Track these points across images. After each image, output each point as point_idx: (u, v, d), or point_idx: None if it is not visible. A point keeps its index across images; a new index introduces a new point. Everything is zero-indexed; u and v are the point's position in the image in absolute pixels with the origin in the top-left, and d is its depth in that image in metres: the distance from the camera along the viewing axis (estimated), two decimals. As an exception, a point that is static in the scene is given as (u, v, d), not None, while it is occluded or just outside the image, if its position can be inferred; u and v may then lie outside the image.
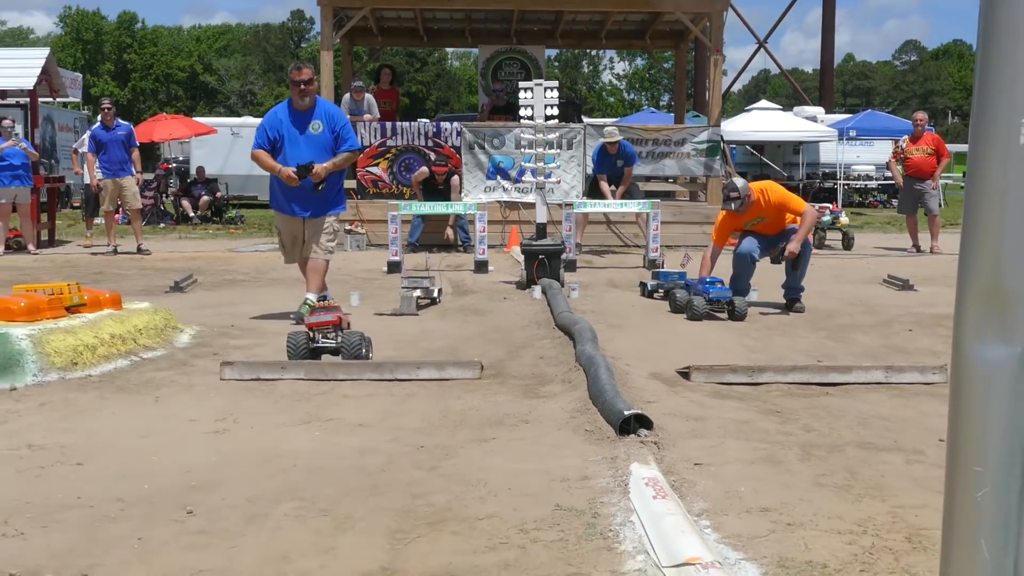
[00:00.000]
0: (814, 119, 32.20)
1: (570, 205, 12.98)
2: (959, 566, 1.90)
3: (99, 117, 15.86)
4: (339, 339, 6.90)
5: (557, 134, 11.72)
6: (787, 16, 54.37)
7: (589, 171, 14.84)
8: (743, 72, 51.55)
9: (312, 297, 8.78)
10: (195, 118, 30.89)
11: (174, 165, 25.00)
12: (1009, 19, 1.63)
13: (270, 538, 3.86)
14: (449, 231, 14.65)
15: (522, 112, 11.25)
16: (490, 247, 14.29)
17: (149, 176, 21.22)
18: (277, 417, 5.76)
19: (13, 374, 6.25)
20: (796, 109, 34.46)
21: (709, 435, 5.23)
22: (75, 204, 20.97)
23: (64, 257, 14.57)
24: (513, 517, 4.05)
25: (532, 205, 14.82)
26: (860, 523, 3.97)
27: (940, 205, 15.99)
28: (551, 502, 4.22)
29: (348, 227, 14.79)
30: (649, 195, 14.79)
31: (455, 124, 15.09)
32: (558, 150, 14.26)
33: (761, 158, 31.26)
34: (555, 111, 11.25)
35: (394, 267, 12.34)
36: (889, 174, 31.53)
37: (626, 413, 5.10)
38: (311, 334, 6.93)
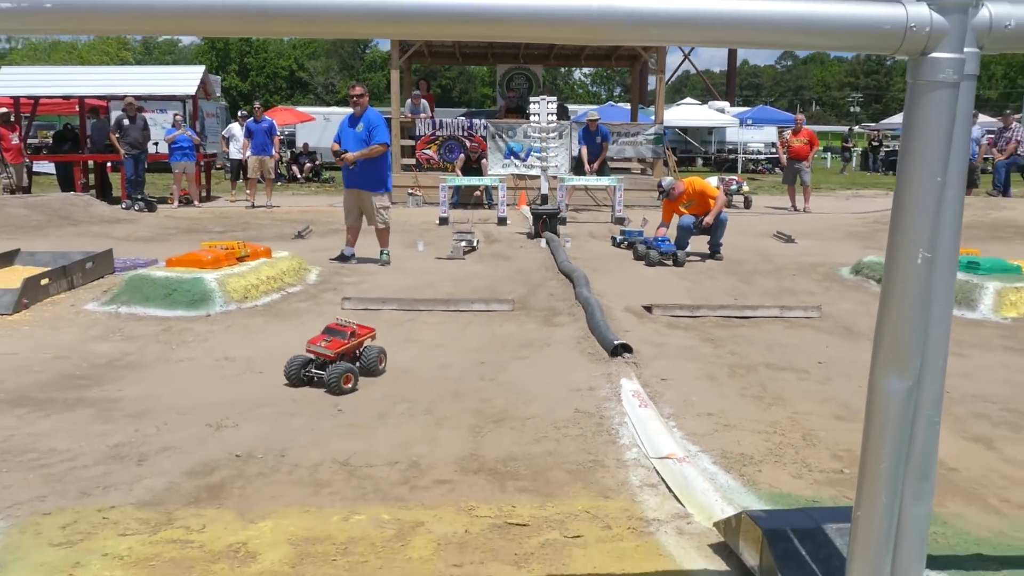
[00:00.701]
0: (722, 111, 31.83)
1: (562, 180, 12.93)
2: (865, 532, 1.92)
3: (246, 112, 15.89)
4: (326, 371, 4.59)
5: (556, 132, 11.69)
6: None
7: (574, 154, 14.78)
8: (673, 74, 50.60)
9: (386, 252, 8.94)
10: (297, 107, 30.39)
11: (285, 141, 24.94)
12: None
13: (394, 430, 4.00)
14: (478, 192, 14.64)
15: (532, 118, 11.26)
16: (507, 205, 14.39)
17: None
18: (383, 338, 5.75)
19: (207, 305, 6.38)
20: (709, 103, 33.95)
21: (668, 357, 5.29)
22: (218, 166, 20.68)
23: (220, 210, 14.56)
24: (549, 417, 4.19)
25: (536, 177, 14.90)
26: (771, 425, 4.10)
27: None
28: (572, 406, 4.34)
29: (410, 191, 14.83)
30: (615, 171, 14.80)
31: (482, 120, 15.07)
32: (557, 142, 14.36)
33: (686, 138, 30.96)
34: (554, 117, 11.26)
35: (443, 221, 12.37)
36: (774, 151, 31.50)
37: (615, 342, 5.27)
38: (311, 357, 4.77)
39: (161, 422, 4.01)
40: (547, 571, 2.51)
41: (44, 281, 6.83)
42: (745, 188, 16.00)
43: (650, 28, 1.72)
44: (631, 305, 6.87)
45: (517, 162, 14.94)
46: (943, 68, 1.69)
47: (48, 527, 2.85)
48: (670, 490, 3.27)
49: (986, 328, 6.31)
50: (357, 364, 4.80)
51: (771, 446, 3.82)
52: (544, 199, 11.31)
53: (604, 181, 13.04)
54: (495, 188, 13.38)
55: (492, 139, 14.78)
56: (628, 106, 24.76)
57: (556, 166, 14.84)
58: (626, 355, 5.19)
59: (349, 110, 13.82)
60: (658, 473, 3.45)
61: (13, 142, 14.09)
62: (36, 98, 15.47)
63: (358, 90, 9.11)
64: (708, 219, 9.37)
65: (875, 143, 30.95)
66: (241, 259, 7.21)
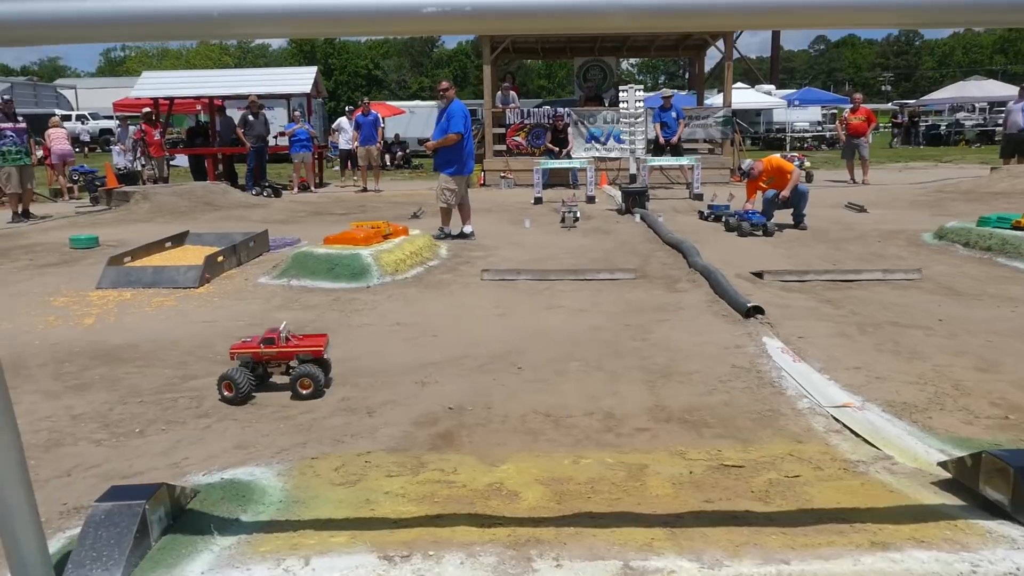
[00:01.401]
0: (769, 93, 30.99)
1: (644, 161, 12.75)
2: None
3: (352, 107, 16.03)
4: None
5: (642, 117, 11.52)
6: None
7: (651, 136, 14.56)
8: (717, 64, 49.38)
9: (444, 228, 8.83)
10: (388, 102, 30.49)
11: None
12: None
13: (577, 385, 4.01)
14: (569, 175, 14.54)
15: (621, 105, 11.12)
16: (576, 188, 14.28)
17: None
18: (528, 304, 5.81)
19: (366, 278, 6.48)
20: (757, 87, 33.07)
21: (796, 318, 5.18)
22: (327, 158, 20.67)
23: (335, 195, 14.77)
24: (711, 372, 4.14)
25: (616, 159, 14.77)
26: (919, 377, 3.97)
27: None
28: (727, 362, 4.29)
29: (502, 174, 14.81)
30: (687, 151, 14.54)
31: (566, 109, 14.91)
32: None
33: (736, 120, 30.22)
34: (641, 104, 11.10)
35: (538, 200, 12.35)
36: (820, 129, 30.58)
37: (748, 305, 5.21)
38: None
39: (372, 380, 4.10)
40: (792, 506, 2.50)
41: (220, 258, 7.02)
42: (807, 164, 15.60)
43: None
44: (740, 272, 6.75)
45: (598, 146, 14.80)
46: None
47: (322, 469, 2.93)
48: (856, 435, 3.22)
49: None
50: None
51: (928, 396, 3.73)
52: (633, 179, 11.20)
53: (684, 161, 12.82)
54: (582, 170, 13.30)
55: (574, 125, 14.64)
56: (678, 92, 24.30)
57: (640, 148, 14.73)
58: (759, 316, 5.12)
59: (431, 103, 13.67)
60: (837, 420, 3.39)
61: (155, 138, 14.45)
62: (172, 99, 15.85)
63: (444, 84, 9.13)
64: (784, 192, 9.19)
65: (915, 119, 29.78)
66: (386, 237, 7.30)
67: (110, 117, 29.98)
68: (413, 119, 26.16)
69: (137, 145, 15.30)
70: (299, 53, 61.33)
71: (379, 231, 7.20)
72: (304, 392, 3.81)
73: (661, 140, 13.48)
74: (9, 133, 10.17)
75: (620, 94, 11.06)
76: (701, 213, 10.25)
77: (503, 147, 15.07)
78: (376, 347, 4.78)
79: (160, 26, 1.61)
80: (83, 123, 32.14)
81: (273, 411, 3.69)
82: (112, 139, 23.45)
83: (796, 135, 29.09)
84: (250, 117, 14.28)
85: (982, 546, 2.20)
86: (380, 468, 2.95)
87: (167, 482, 2.44)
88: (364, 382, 4.06)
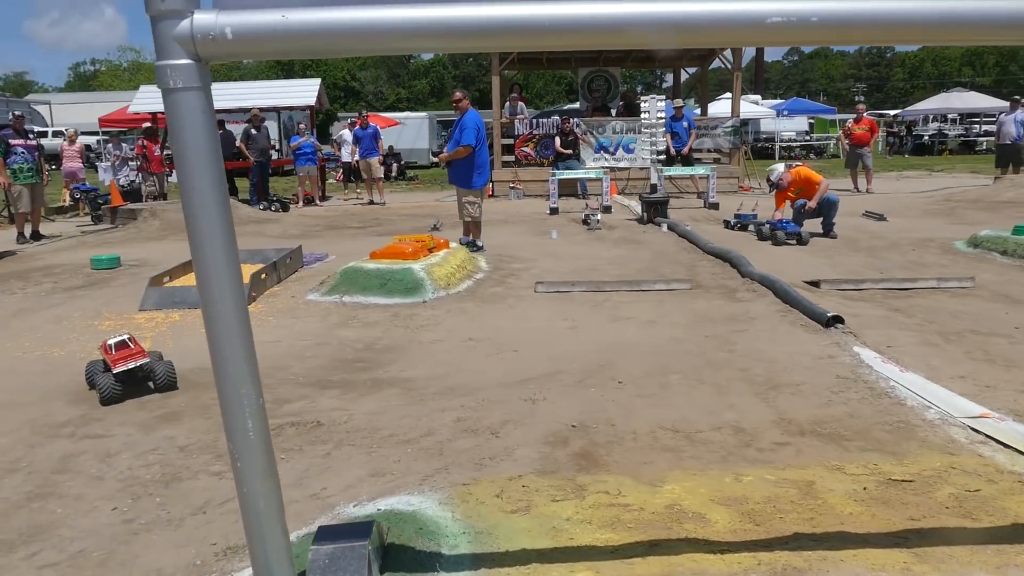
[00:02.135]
0: (756, 103, 31.28)
1: (660, 171, 12.75)
2: None
3: (354, 119, 15.91)
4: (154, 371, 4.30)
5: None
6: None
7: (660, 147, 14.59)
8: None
9: (464, 240, 8.62)
10: (379, 114, 30.28)
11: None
12: None
13: (687, 399, 3.93)
14: (577, 185, 14.49)
15: (643, 115, 11.13)
16: (594, 194, 14.25)
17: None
18: (594, 317, 5.71)
19: (420, 293, 6.37)
20: (743, 96, 33.23)
21: (875, 327, 5.15)
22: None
23: (342, 208, 14.59)
24: (817, 383, 4.07)
25: (625, 169, 14.80)
26: None
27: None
28: (829, 373, 4.23)
29: (511, 185, 14.76)
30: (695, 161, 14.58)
31: (575, 119, 14.91)
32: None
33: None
34: (663, 114, 11.12)
35: (553, 211, 12.31)
36: (808, 138, 30.92)
37: (828, 314, 5.17)
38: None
39: (476, 399, 3.99)
40: (1003, 521, 2.45)
41: (263, 276, 6.86)
42: (813, 173, 15.71)
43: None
44: (794, 281, 6.69)
45: (607, 156, 14.80)
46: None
47: (483, 496, 2.82)
48: (1005, 446, 3.18)
49: None
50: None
51: (1051, 404, 3.71)
52: (653, 188, 11.18)
53: (700, 170, 12.86)
54: (593, 180, 13.33)
55: (584, 135, 14.63)
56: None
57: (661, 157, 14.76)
58: (838, 326, 5.09)
59: (421, 115, 13.49)
60: (976, 431, 3.35)
61: (156, 153, 14.19)
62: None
63: (457, 95, 8.95)
64: (811, 203, 9.27)
65: (911, 129, 30.12)
66: (431, 250, 7.19)
67: (91, 133, 29.46)
68: (404, 131, 26.04)
69: (127, 162, 15.04)
70: (276, 65, 60.81)
71: (424, 244, 7.09)
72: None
73: (672, 150, 13.50)
74: (20, 150, 9.90)
75: (641, 104, 11.06)
76: (727, 222, 10.25)
77: (512, 158, 15.02)
78: (460, 364, 4.67)
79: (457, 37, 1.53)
80: (60, 139, 31.48)
81: (389, 434, 3.57)
82: (92, 155, 23.03)
83: (784, 144, 29.38)
84: (253, 131, 14.09)
85: None
86: (541, 493, 2.85)
87: (374, 519, 2.32)
88: (470, 401, 3.95)
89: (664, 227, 9.99)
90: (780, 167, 16.23)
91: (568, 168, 14.01)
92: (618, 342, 5.03)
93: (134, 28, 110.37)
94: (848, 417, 3.62)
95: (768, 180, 9.68)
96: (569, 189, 14.44)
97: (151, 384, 4.33)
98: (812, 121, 32.22)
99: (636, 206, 12.84)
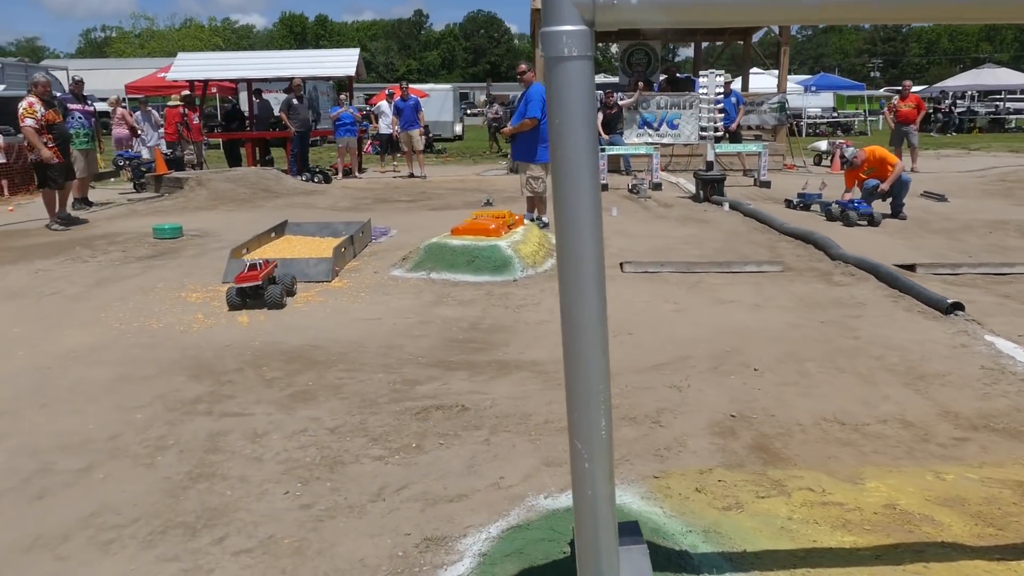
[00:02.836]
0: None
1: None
2: None
3: (391, 91, 15.65)
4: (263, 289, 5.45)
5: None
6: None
7: (703, 123, 14.33)
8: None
9: (531, 216, 8.40)
10: (414, 85, 29.81)
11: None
12: None
13: (834, 388, 3.76)
14: (620, 161, 14.25)
15: (701, 90, 10.89)
16: (637, 171, 14.02)
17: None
18: (696, 299, 5.55)
19: (509, 271, 6.23)
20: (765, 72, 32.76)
21: (993, 314, 4.98)
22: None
23: (385, 182, 14.39)
24: (963, 373, 3.93)
25: (669, 145, 14.57)
26: None
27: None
28: (971, 363, 4.07)
29: (553, 160, 14.54)
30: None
31: (619, 93, 14.63)
32: (688, 112, 13.95)
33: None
34: (722, 90, 10.90)
35: (603, 187, 12.07)
36: (835, 115, 30.45)
37: (948, 301, 5.03)
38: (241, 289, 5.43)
39: (618, 385, 3.86)
40: None
41: (343, 250, 6.73)
42: (853, 149, 15.43)
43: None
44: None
45: (651, 131, 14.57)
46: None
47: (684, 491, 2.72)
48: None
49: None
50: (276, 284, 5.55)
51: None
52: (710, 166, 10.97)
53: (752, 147, 12.63)
54: (636, 156, 13.13)
55: (628, 111, 14.38)
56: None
57: (689, 134, 14.52)
58: (958, 313, 4.95)
59: (446, 86, 13.16)
60: None
61: (195, 121, 13.99)
62: (207, 81, 15.34)
63: (522, 67, 8.77)
64: (884, 186, 9.04)
65: (954, 106, 29.36)
66: (510, 227, 7.04)
67: (106, 99, 29.17)
68: (428, 103, 25.68)
69: (159, 129, 14.82)
70: (289, 35, 60.32)
71: (505, 221, 6.94)
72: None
73: (720, 127, 13.23)
74: (78, 115, 9.71)
75: (700, 79, 10.81)
76: (789, 202, 10.05)
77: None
78: (581, 347, 4.54)
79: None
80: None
81: (543, 420, 3.46)
82: (110, 122, 22.76)
83: (811, 121, 29.00)
84: (294, 100, 13.86)
85: None
86: (741, 488, 2.74)
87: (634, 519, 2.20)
88: (611, 387, 3.81)
89: (726, 206, 9.80)
90: (823, 144, 16.00)
91: (612, 144, 13.77)
92: (733, 326, 4.90)
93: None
94: (1015, 411, 3.50)
95: (842, 158, 9.44)
96: (612, 165, 14.21)
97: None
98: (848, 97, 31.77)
99: (685, 183, 12.66)
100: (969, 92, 30.08)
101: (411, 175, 14.66)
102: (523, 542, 2.37)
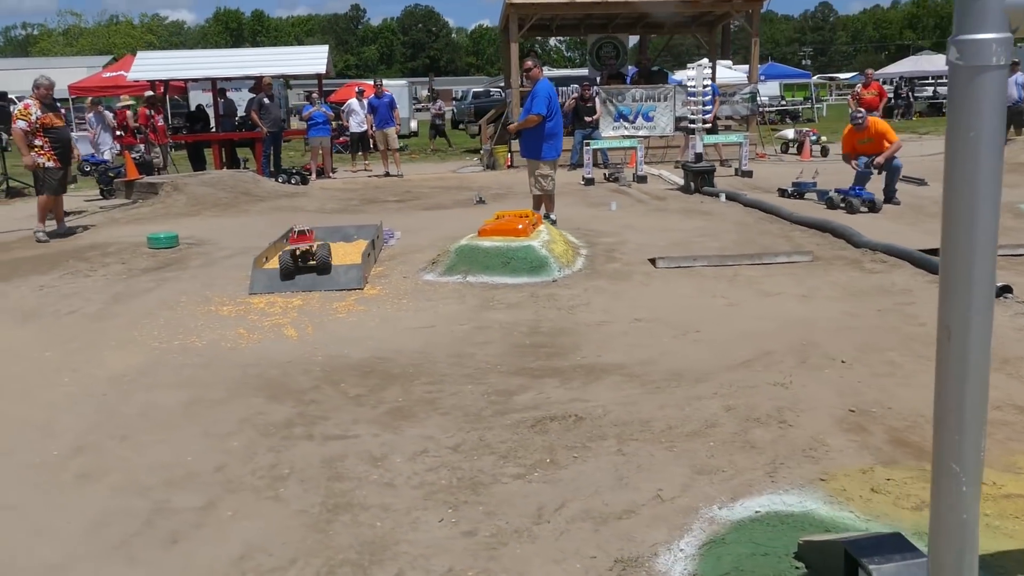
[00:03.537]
0: (729, 68, 31.35)
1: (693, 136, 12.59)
2: None
3: (362, 89, 15.27)
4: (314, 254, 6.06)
5: (709, 95, 11.36)
6: None
7: (678, 114, 14.47)
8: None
9: (549, 215, 8.22)
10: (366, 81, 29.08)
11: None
12: None
13: (930, 376, 3.87)
14: (598, 155, 14.22)
15: (688, 82, 10.95)
16: (616, 164, 14.04)
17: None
18: (742, 292, 5.53)
19: (546, 271, 6.11)
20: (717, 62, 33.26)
21: None
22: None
23: (362, 181, 14.06)
24: None
25: (644, 138, 14.62)
26: None
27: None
28: None
29: (531, 154, 14.44)
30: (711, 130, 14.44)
31: (595, 87, 14.62)
32: (663, 104, 14.04)
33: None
34: (707, 82, 10.98)
35: (589, 181, 12.09)
36: (783, 103, 31.10)
37: (999, 284, 5.12)
38: (295, 251, 6.08)
39: (720, 384, 3.82)
40: None
41: (367, 255, 6.52)
42: (823, 139, 15.80)
43: None
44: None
45: (626, 124, 14.61)
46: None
47: (859, 491, 2.68)
48: None
49: None
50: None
51: None
52: (699, 157, 11.04)
53: (734, 138, 12.78)
54: (612, 150, 13.17)
55: (603, 104, 14.39)
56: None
57: (665, 126, 14.61)
58: (1007, 295, 5.06)
59: (400, 82, 12.91)
60: None
61: (160, 123, 13.41)
62: (167, 81, 14.71)
63: (527, 64, 8.68)
64: (880, 160, 9.18)
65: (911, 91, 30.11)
66: (534, 226, 6.92)
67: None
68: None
69: (114, 132, 14.19)
70: (225, 31, 58.57)
71: (530, 220, 6.82)
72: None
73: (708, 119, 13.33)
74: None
75: (688, 73, 10.86)
76: (783, 191, 10.17)
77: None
78: (656, 347, 4.48)
79: None
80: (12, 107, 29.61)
81: (666, 426, 3.38)
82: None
83: (760, 109, 29.51)
84: (265, 100, 13.41)
85: None
86: (911, 485, 2.72)
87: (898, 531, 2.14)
88: (715, 387, 3.77)
89: (723, 197, 9.87)
90: (790, 133, 16.28)
91: (589, 137, 13.76)
92: (794, 319, 4.91)
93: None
94: (1109, 394, 3.57)
95: (852, 119, 9.53)
96: (595, 159, 14.20)
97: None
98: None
99: (669, 175, 12.73)
100: (904, 78, 31.10)
101: (387, 174, 14.38)
102: (733, 559, 2.29)
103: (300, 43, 74.64)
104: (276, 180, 12.90)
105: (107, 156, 13.26)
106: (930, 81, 31.13)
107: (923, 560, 1.84)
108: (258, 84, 14.23)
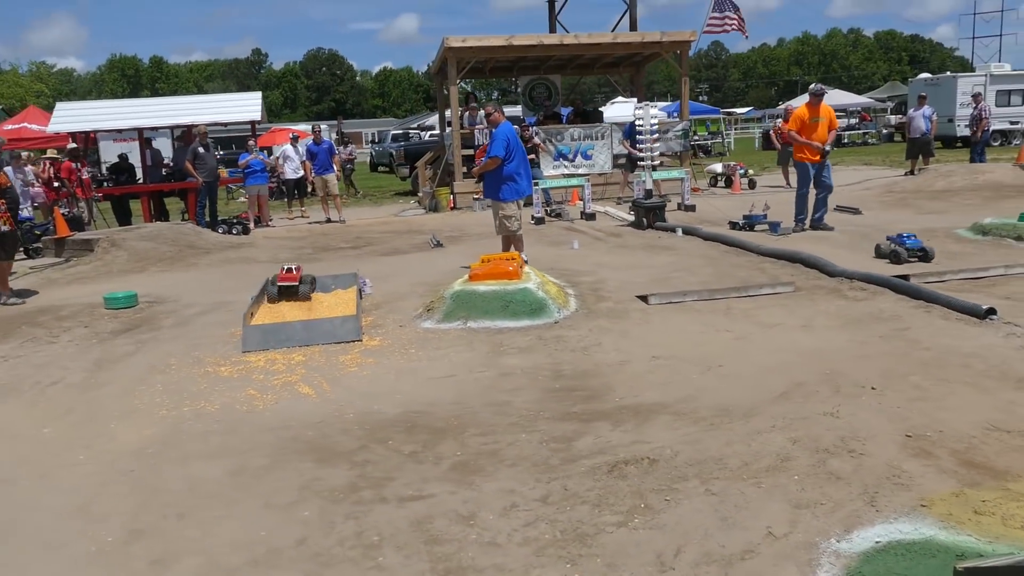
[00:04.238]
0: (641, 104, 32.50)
1: (638, 176, 12.95)
2: None
3: (295, 135, 15.02)
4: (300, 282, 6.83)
5: (672, 132, 11.71)
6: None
7: (616, 152, 14.91)
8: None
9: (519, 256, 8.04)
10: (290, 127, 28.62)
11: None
12: None
13: (961, 399, 3.97)
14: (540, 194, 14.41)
15: (637, 122, 11.32)
16: (558, 202, 14.28)
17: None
18: (742, 325, 5.66)
19: (546, 314, 6.12)
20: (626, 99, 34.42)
21: (1016, 313, 5.45)
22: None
23: (305, 228, 13.72)
24: None
25: (584, 174, 14.94)
26: None
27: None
28: None
29: (475, 196, 14.51)
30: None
31: (534, 128, 14.90)
32: (601, 142, 14.43)
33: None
34: (656, 121, 11.37)
35: (539, 221, 12.21)
36: (696, 139, 32.37)
37: (984, 307, 5.48)
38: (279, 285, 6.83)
39: (773, 418, 3.92)
40: None
41: (358, 305, 6.40)
42: (751, 172, 16.57)
43: None
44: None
45: (565, 162, 14.92)
46: None
47: (966, 514, 2.80)
48: None
49: None
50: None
51: None
52: (649, 193, 11.37)
53: (675, 173, 13.22)
54: (554, 188, 13.42)
55: (544, 143, 14.66)
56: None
57: (603, 163, 15.00)
58: (992, 317, 5.41)
59: (323, 125, 13.02)
60: None
61: (85, 176, 12.79)
62: (88, 133, 14.05)
63: (487, 110, 9.04)
64: (830, 140, 9.79)
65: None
66: (520, 267, 6.95)
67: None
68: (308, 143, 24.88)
69: (29, 188, 13.43)
70: (121, 78, 56.54)
71: (518, 261, 6.85)
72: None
73: (637, 156, 13.73)
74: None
75: (636, 111, 11.24)
76: (735, 224, 10.55)
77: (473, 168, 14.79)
78: (688, 384, 4.57)
79: None
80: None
81: (742, 463, 3.45)
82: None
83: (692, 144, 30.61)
84: (200, 149, 13.01)
85: None
86: (1005, 505, 2.86)
87: (1013, 552, 2.23)
88: (771, 421, 3.87)
89: (679, 232, 10.17)
90: (718, 167, 16.98)
91: (535, 177, 13.95)
92: (806, 349, 5.08)
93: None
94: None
95: (811, 90, 9.94)
96: (529, 199, 14.37)
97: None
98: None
99: (615, 212, 13.03)
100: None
101: (328, 220, 14.14)
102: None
103: (201, 89, 73.22)
104: (215, 231, 12.48)
105: (27, 213, 12.50)
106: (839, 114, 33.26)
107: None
108: (185, 133, 13.80)
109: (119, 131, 14.97)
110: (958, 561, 2.35)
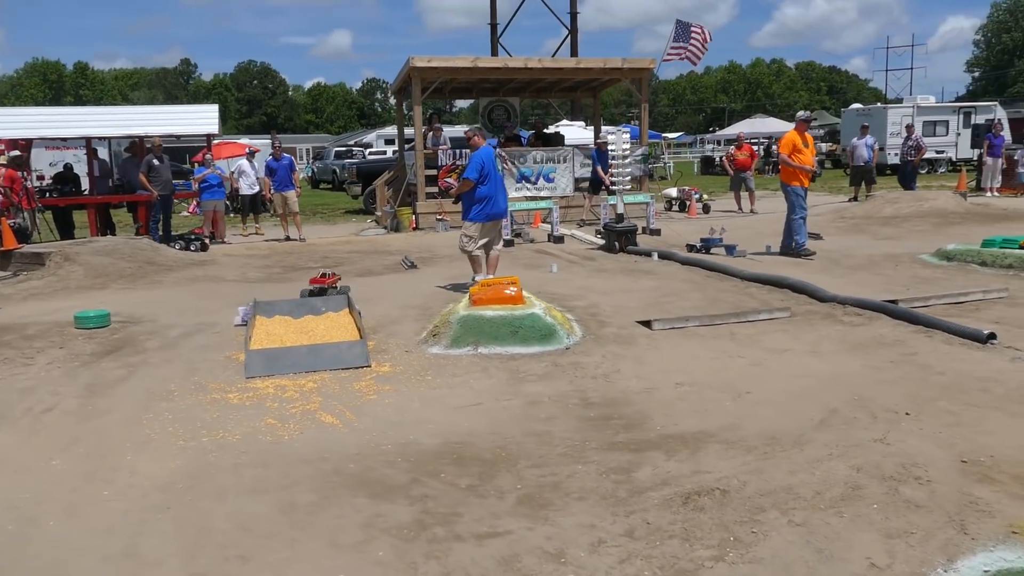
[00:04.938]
0: (583, 127, 32.98)
1: (604, 200, 13.12)
2: None
3: (252, 150, 14.55)
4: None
5: (631, 157, 11.86)
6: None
7: (577, 175, 15.05)
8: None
9: (474, 278, 8.34)
10: (235, 140, 27.83)
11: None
12: None
13: (995, 423, 4.09)
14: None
15: (610, 147, 11.44)
16: (519, 224, 14.28)
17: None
18: (752, 351, 5.74)
19: (556, 339, 6.05)
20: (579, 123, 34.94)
21: (1012, 338, 5.67)
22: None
23: (268, 246, 13.25)
24: None
25: (547, 197, 15.00)
26: None
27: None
28: None
29: (437, 217, 14.39)
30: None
31: (496, 149, 14.86)
32: (563, 166, 14.53)
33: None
34: (627, 146, 11.51)
35: (508, 243, 12.15)
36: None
37: (985, 332, 5.69)
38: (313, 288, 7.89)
39: (827, 446, 3.95)
40: None
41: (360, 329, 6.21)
42: (705, 197, 16.96)
43: None
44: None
45: (528, 185, 14.95)
46: None
47: (1057, 544, 2.87)
48: None
49: None
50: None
51: None
52: (620, 218, 11.49)
53: (641, 198, 13.39)
54: (541, 211, 13.45)
55: (505, 164, 14.66)
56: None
57: (565, 186, 15.10)
58: (994, 341, 5.62)
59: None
60: None
61: (31, 186, 12.10)
62: (31, 140, 13.28)
63: (467, 133, 9.18)
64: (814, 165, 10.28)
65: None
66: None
67: None
68: (257, 159, 24.20)
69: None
70: (43, 83, 54.04)
71: (517, 285, 6.77)
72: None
73: (605, 182, 13.89)
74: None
75: (609, 136, 11.37)
76: (692, 247, 10.71)
77: (436, 189, 14.61)
78: (723, 411, 4.58)
79: None
80: None
81: (814, 492, 3.46)
82: None
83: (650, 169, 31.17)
84: (155, 161, 12.49)
85: None
86: (1092, 534, 2.94)
87: None
88: (824, 449, 3.90)
89: (655, 256, 10.29)
90: (673, 191, 17.31)
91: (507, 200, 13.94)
92: (825, 375, 5.16)
93: None
94: None
95: (799, 117, 10.17)
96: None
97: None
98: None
99: (583, 235, 13.10)
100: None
101: (287, 238, 13.76)
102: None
103: (126, 98, 70.66)
104: (170, 246, 11.97)
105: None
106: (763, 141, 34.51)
107: None
108: (134, 144, 13.25)
109: (63, 139, 14.21)
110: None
